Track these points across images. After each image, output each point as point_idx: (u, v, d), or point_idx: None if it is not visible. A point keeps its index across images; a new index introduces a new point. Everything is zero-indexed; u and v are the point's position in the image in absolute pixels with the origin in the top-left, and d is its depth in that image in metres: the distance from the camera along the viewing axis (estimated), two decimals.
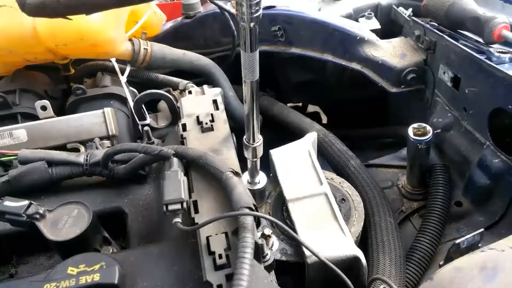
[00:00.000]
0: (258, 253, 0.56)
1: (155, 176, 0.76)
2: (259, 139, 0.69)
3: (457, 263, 0.56)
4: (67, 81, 1.09)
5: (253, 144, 0.69)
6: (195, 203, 0.61)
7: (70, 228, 0.63)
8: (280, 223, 0.56)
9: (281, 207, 0.84)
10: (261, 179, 0.82)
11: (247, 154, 0.72)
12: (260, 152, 0.71)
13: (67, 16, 0.50)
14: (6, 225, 0.65)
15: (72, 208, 0.65)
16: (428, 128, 0.89)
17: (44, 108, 0.90)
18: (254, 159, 0.73)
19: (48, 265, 0.73)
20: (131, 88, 1.01)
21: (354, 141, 1.30)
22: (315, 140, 0.94)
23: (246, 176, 0.80)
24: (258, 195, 0.83)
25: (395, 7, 1.28)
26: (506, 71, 0.82)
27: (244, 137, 0.69)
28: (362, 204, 0.83)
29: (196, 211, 0.60)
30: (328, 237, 0.72)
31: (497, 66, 0.84)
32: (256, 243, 0.52)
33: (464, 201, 0.96)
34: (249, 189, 0.78)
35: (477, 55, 0.89)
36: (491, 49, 0.89)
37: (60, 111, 0.95)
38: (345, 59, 1.18)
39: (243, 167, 0.74)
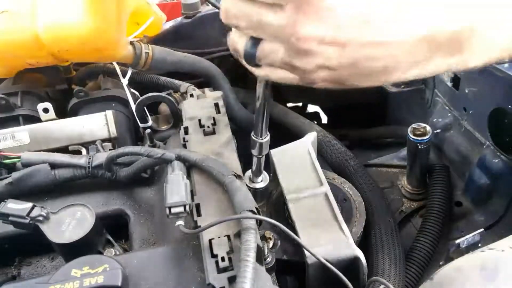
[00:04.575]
0: (260, 255, 0.56)
1: (158, 179, 0.76)
2: (267, 135, 0.69)
3: (457, 263, 0.56)
4: (68, 83, 1.09)
5: (260, 139, 0.69)
6: (197, 206, 0.61)
7: (73, 231, 0.63)
8: (281, 226, 0.57)
9: (282, 206, 0.84)
10: (264, 178, 0.82)
11: (253, 150, 0.72)
12: (266, 148, 0.71)
13: None
14: (9, 227, 0.65)
15: (75, 211, 0.66)
16: (428, 128, 0.90)
17: (46, 110, 0.90)
18: (260, 156, 0.73)
19: (51, 267, 0.74)
20: (132, 90, 1.02)
21: (354, 141, 1.30)
22: (315, 140, 0.94)
23: (248, 174, 0.81)
24: (259, 194, 0.83)
25: None
26: (506, 71, 0.82)
27: (252, 132, 0.69)
28: (364, 205, 0.84)
29: (199, 214, 0.60)
30: (328, 237, 0.73)
31: (497, 66, 0.84)
32: (258, 246, 0.52)
33: (464, 201, 0.96)
34: (251, 187, 0.79)
35: None
36: None
37: (61, 113, 0.96)
38: None
39: (245, 168, 0.74)
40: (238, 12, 0.44)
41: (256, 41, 0.45)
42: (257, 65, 0.48)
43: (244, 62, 0.49)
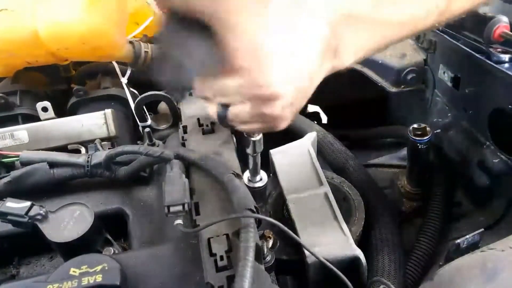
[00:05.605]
0: (259, 254, 0.56)
1: (157, 178, 0.76)
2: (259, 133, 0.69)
3: (457, 263, 0.56)
4: (68, 82, 1.09)
5: (252, 137, 0.69)
6: (196, 205, 0.61)
7: (72, 230, 0.63)
8: (280, 225, 0.56)
9: (281, 206, 0.84)
10: (262, 178, 0.82)
11: (248, 149, 0.72)
12: (260, 147, 0.71)
13: None
14: (8, 226, 0.65)
15: (74, 210, 0.66)
16: (428, 128, 0.89)
17: (45, 109, 0.90)
18: (254, 154, 0.73)
19: (50, 266, 0.74)
20: (131, 89, 1.02)
21: (354, 141, 1.30)
22: (315, 140, 0.94)
23: (247, 174, 0.80)
24: (258, 193, 0.83)
25: None
26: (506, 71, 0.82)
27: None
28: (363, 204, 0.84)
29: (198, 213, 0.60)
30: (328, 237, 0.73)
31: (497, 66, 0.84)
32: (257, 245, 0.52)
33: (464, 201, 0.96)
34: (249, 187, 0.78)
35: (477, 55, 0.89)
36: (491, 49, 0.89)
37: (60, 112, 0.96)
38: None
39: (244, 167, 0.74)
40: (204, 87, 0.52)
41: (225, 106, 0.52)
42: (231, 125, 0.55)
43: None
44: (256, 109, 0.51)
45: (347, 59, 0.53)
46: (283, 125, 0.54)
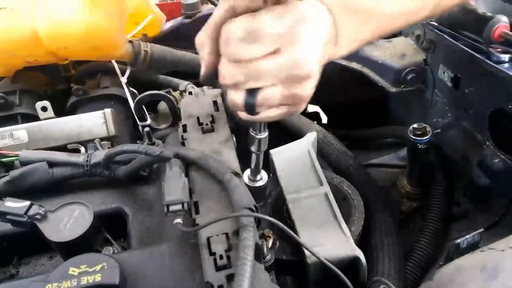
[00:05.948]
0: (259, 253, 0.56)
1: (156, 177, 0.76)
2: (265, 131, 0.69)
3: (457, 263, 0.56)
4: (67, 82, 1.09)
5: (258, 135, 0.68)
6: (196, 204, 0.61)
7: (71, 229, 0.63)
8: (280, 224, 0.56)
9: (281, 206, 0.84)
10: (263, 177, 0.82)
11: (252, 147, 0.71)
12: (265, 145, 0.71)
13: None
14: (7, 226, 0.65)
15: (73, 209, 0.66)
16: (428, 128, 0.89)
17: (44, 108, 0.90)
18: (258, 152, 0.73)
19: (49, 265, 0.73)
20: (131, 89, 1.02)
21: (354, 141, 1.30)
22: (315, 140, 0.94)
23: (247, 173, 0.80)
24: (258, 193, 0.83)
25: None
26: (506, 71, 0.82)
27: (250, 128, 0.69)
28: (362, 204, 0.83)
29: (197, 212, 0.60)
30: (328, 237, 0.73)
31: (497, 66, 0.84)
32: (256, 244, 0.52)
33: (464, 201, 0.96)
34: (250, 186, 0.78)
35: (477, 55, 0.89)
36: (491, 49, 0.89)
37: (60, 111, 0.96)
38: (345, 59, 1.18)
39: (244, 167, 0.74)
40: (236, 71, 0.49)
41: (253, 92, 0.50)
42: (257, 112, 0.53)
43: (243, 115, 0.54)
44: (288, 90, 0.50)
45: (343, 49, 0.54)
46: (303, 107, 0.55)
